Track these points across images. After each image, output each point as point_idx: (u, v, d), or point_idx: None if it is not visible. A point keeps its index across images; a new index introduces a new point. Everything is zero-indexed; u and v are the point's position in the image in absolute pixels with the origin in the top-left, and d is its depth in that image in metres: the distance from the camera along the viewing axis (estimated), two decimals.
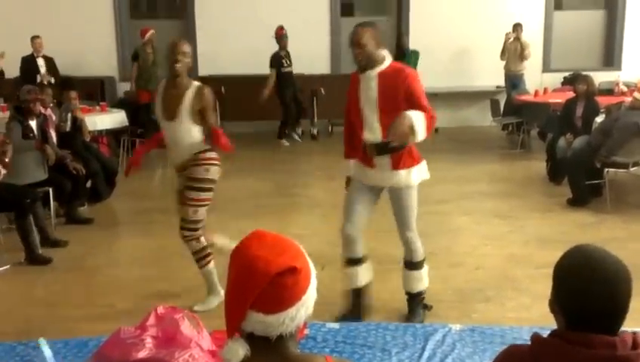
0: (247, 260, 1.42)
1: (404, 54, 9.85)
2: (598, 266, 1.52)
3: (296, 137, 10.56)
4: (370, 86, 3.72)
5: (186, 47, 4.04)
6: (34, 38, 9.35)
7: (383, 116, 3.69)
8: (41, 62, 9.42)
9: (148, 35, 9.54)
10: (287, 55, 10.02)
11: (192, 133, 4.03)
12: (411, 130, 3.51)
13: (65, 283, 4.78)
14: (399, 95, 3.64)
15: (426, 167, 4.03)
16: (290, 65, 10.03)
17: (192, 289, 4.56)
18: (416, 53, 10.09)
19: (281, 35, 9.94)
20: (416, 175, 3.95)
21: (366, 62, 3.70)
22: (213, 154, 4.11)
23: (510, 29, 10.47)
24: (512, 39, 10.45)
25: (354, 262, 4.01)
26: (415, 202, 4.01)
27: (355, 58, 3.73)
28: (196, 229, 4.12)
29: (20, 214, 5.17)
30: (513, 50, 10.47)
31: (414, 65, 10.08)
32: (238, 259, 1.45)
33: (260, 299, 1.39)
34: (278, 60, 9.94)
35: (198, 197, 4.06)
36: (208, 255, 4.20)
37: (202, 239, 4.17)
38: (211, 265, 4.22)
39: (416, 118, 3.53)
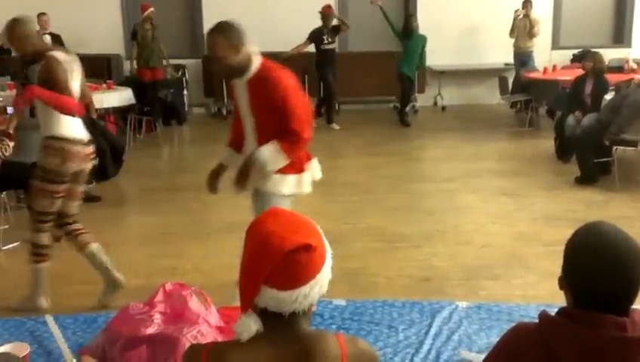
0: (262, 236, 1.43)
1: (411, 35, 9.68)
2: (609, 244, 1.51)
3: (336, 126, 9.83)
4: (242, 94, 3.41)
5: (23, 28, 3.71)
6: (40, 15, 9.30)
7: (258, 124, 3.41)
8: (47, 39, 9.37)
9: (147, 12, 9.49)
10: (331, 32, 9.66)
11: (40, 111, 3.72)
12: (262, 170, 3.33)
13: (73, 259, 4.77)
14: (269, 106, 3.30)
15: (308, 179, 3.59)
16: (333, 42, 9.69)
17: (200, 266, 4.59)
18: (423, 38, 9.83)
19: (328, 15, 9.63)
20: (290, 185, 3.50)
21: (229, 74, 3.39)
22: (58, 144, 3.68)
23: (519, 6, 10.35)
24: (521, 16, 10.34)
25: None
26: None
27: (216, 71, 3.42)
28: (40, 221, 3.78)
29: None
30: (522, 28, 10.37)
31: (422, 50, 9.84)
32: (253, 235, 1.47)
33: (273, 274, 1.40)
34: (319, 36, 9.61)
35: (35, 185, 3.73)
36: (43, 255, 3.85)
37: (42, 236, 3.81)
38: (42, 265, 3.87)
39: (266, 158, 3.30)
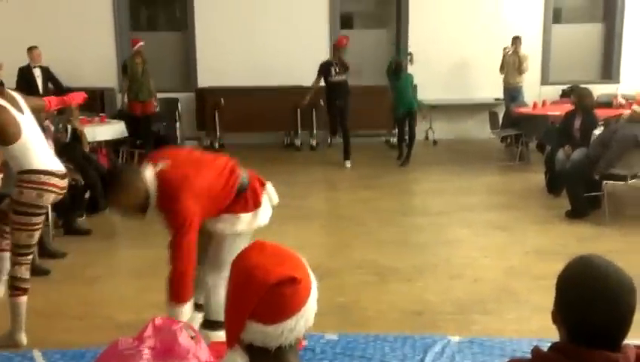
0: (247, 269, 1.42)
1: (400, 74, 9.60)
2: (600, 275, 1.50)
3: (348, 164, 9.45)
4: (156, 216, 3.45)
5: None
6: (32, 49, 9.35)
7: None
8: (37, 72, 9.41)
9: (136, 46, 9.59)
10: (339, 64, 9.19)
11: (5, 150, 3.73)
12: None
13: (63, 294, 4.76)
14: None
15: (266, 209, 3.62)
16: (342, 74, 9.21)
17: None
18: (411, 77, 9.84)
19: (339, 47, 9.26)
20: (244, 222, 3.52)
21: (143, 212, 3.44)
22: (31, 177, 3.67)
23: (509, 42, 10.50)
24: (510, 53, 10.48)
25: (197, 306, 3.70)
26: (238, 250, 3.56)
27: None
28: (20, 255, 3.77)
29: None
30: (512, 64, 10.50)
31: (409, 88, 9.72)
32: (237, 269, 1.45)
33: (258, 308, 1.39)
34: (327, 68, 9.23)
35: (13, 219, 3.73)
36: (23, 289, 3.80)
37: (22, 269, 3.78)
38: (22, 300, 3.80)
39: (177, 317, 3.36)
